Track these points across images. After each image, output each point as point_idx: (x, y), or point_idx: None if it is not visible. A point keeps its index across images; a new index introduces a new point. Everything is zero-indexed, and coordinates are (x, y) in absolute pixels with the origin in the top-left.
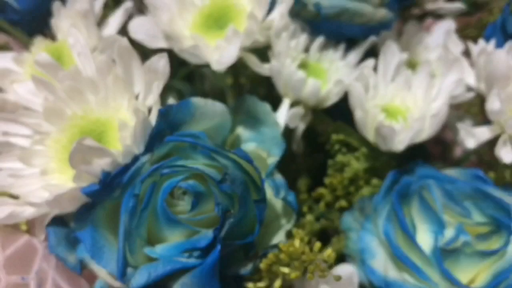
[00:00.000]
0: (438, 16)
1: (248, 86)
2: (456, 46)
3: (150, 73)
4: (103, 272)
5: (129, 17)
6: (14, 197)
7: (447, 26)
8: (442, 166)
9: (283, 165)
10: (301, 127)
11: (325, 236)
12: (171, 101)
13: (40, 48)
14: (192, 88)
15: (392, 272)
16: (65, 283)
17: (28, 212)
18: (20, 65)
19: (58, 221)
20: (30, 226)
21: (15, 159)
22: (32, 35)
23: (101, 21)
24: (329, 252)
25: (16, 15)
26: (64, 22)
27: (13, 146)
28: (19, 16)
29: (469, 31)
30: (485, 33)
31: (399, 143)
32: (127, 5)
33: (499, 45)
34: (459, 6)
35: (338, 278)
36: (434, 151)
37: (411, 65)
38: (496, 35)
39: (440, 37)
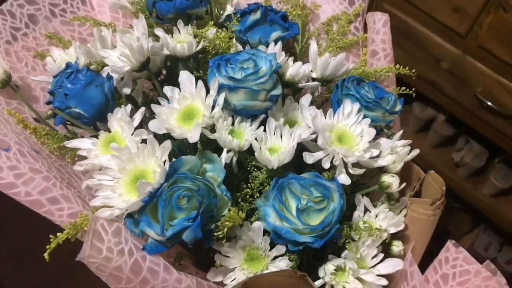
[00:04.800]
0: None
1: (206, 144)
2: (310, 111)
3: (162, 148)
4: (152, 233)
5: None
6: (110, 207)
7: (307, 98)
8: (309, 170)
9: (228, 180)
10: (234, 160)
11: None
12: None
13: (103, 137)
14: (179, 145)
15: (278, 223)
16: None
17: (117, 212)
18: (95, 146)
19: (129, 215)
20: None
21: (108, 190)
22: (95, 128)
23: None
24: (236, 216)
25: (86, 119)
26: (114, 123)
27: (103, 186)
28: (88, 120)
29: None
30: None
31: (275, 164)
32: (142, 109)
33: (335, 108)
34: (317, 83)
35: (249, 226)
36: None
37: (292, 122)
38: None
39: (305, 105)
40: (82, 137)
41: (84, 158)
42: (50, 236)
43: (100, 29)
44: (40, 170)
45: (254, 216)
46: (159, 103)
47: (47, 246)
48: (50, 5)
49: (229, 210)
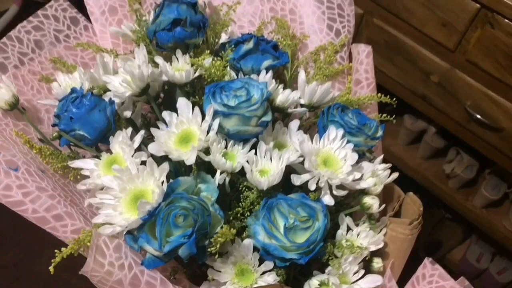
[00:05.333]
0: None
1: (201, 166)
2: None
3: (160, 169)
4: (151, 249)
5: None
6: (111, 224)
7: (296, 123)
8: (296, 191)
9: (220, 199)
10: (227, 180)
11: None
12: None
13: (105, 158)
14: (175, 165)
15: (267, 240)
16: (135, 256)
17: (118, 229)
18: (97, 166)
19: (129, 232)
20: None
21: (109, 209)
22: (97, 149)
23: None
24: (228, 233)
25: (89, 141)
26: (116, 145)
27: (105, 204)
28: (91, 141)
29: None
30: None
31: (265, 186)
32: (142, 132)
33: (321, 133)
34: (304, 109)
35: (239, 243)
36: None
37: (280, 146)
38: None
39: (294, 130)
40: (84, 157)
41: (87, 177)
42: (55, 251)
43: (103, 55)
44: (46, 189)
45: (244, 233)
46: (156, 125)
47: (52, 260)
48: (54, 31)
49: (222, 227)
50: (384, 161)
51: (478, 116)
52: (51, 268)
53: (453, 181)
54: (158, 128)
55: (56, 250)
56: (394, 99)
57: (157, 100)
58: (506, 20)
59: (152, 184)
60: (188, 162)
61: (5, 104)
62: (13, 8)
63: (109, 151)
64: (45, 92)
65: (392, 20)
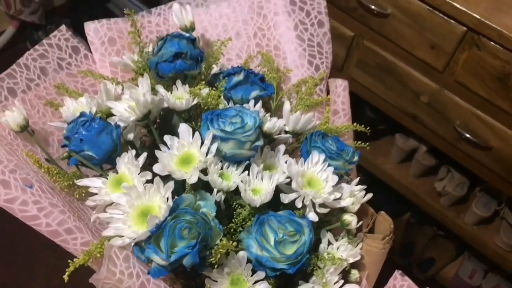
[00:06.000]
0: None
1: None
2: (285, 159)
3: (165, 188)
4: (158, 259)
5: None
6: (121, 236)
7: (283, 148)
8: (283, 209)
9: (219, 215)
10: (222, 198)
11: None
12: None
13: (112, 177)
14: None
15: (259, 253)
16: (142, 266)
17: (127, 241)
18: (105, 184)
19: (136, 244)
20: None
21: (119, 222)
22: (101, 169)
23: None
24: (229, 245)
25: (96, 161)
26: (122, 165)
27: (114, 218)
28: (98, 161)
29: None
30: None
31: (257, 203)
32: (144, 154)
33: (305, 157)
34: (289, 136)
35: (234, 255)
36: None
37: (269, 167)
38: (303, 154)
39: (281, 153)
40: (87, 176)
41: (92, 194)
42: (69, 261)
43: (105, 83)
44: (57, 205)
45: (238, 246)
46: (152, 147)
47: (67, 269)
48: (58, 59)
49: (221, 240)
50: (377, 179)
51: (467, 135)
52: (65, 277)
53: (444, 199)
54: (155, 149)
55: (69, 260)
56: (368, 128)
57: (154, 124)
58: (492, 43)
59: (158, 200)
60: (190, 181)
61: (17, 126)
62: (10, 29)
63: (110, 170)
64: (49, 115)
65: (382, 42)
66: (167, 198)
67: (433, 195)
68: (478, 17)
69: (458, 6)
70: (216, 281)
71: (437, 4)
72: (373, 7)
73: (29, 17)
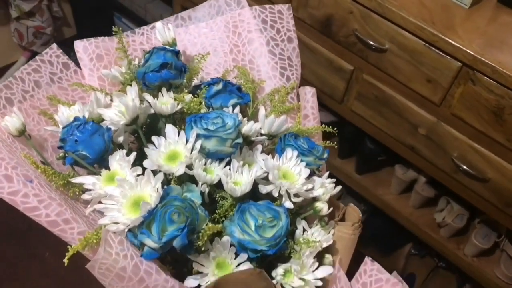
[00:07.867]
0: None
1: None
2: (262, 156)
3: (156, 179)
4: (150, 242)
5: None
6: (116, 223)
7: (260, 147)
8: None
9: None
10: (206, 190)
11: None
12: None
13: (105, 174)
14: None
15: (241, 237)
16: (134, 249)
17: (122, 227)
18: (99, 180)
19: (129, 230)
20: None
21: (113, 211)
22: (95, 168)
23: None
24: (215, 227)
25: (90, 160)
26: (114, 163)
27: (109, 208)
28: (91, 160)
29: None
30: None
31: (238, 193)
32: (134, 153)
33: (279, 154)
34: (264, 138)
35: (218, 241)
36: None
37: (249, 164)
38: (278, 153)
39: (259, 151)
40: (80, 175)
41: (87, 190)
42: (68, 246)
43: (96, 93)
44: (55, 198)
45: (222, 234)
46: (141, 152)
47: (66, 253)
48: (50, 74)
49: (207, 224)
50: (377, 210)
51: (465, 167)
52: (65, 260)
53: (444, 230)
54: (141, 154)
55: (68, 246)
56: (336, 128)
57: (142, 129)
58: (486, 78)
59: (149, 190)
60: (178, 173)
61: (15, 130)
62: (21, 60)
63: (101, 168)
64: (43, 123)
65: (380, 76)
66: (157, 188)
67: (433, 226)
68: (472, 53)
69: (453, 42)
70: (203, 265)
71: (433, 40)
72: (371, 42)
73: (40, 48)
